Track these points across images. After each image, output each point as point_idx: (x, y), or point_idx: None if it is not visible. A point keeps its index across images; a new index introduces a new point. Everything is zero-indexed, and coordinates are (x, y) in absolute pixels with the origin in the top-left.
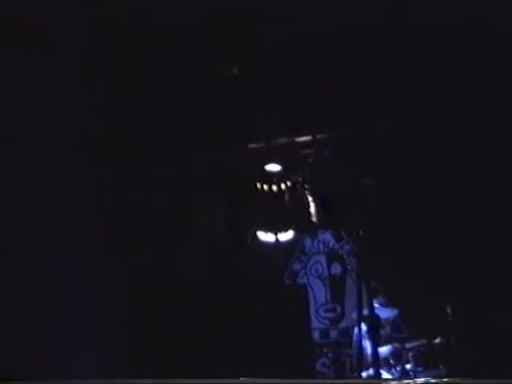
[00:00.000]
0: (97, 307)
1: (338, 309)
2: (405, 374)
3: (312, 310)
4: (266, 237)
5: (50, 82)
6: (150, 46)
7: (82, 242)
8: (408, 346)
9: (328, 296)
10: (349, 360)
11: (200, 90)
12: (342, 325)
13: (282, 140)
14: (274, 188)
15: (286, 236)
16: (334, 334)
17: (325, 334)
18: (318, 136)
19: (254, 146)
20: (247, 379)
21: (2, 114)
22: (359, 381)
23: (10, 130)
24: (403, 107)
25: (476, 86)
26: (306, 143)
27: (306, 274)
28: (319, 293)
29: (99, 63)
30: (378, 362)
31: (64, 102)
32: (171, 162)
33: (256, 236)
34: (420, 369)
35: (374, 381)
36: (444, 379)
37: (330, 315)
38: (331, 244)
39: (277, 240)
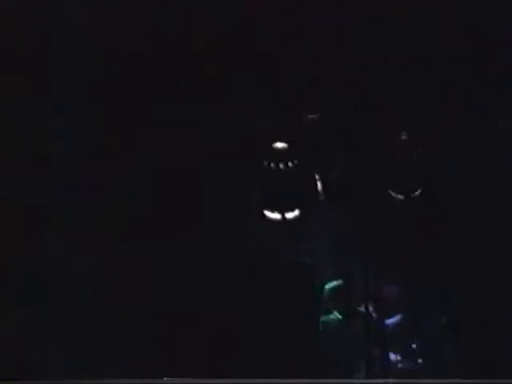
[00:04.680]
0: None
1: (344, 289)
2: (410, 359)
3: (318, 289)
4: (272, 216)
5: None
6: None
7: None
8: (417, 325)
9: (333, 276)
10: (355, 343)
11: (209, 69)
12: (349, 305)
13: (289, 119)
14: (281, 167)
15: (292, 215)
16: (340, 314)
17: (331, 314)
18: (324, 115)
19: (260, 125)
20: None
21: None
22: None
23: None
24: (413, 89)
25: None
26: (312, 122)
27: (312, 253)
28: (325, 273)
29: None
30: (384, 345)
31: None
32: (179, 143)
33: (262, 215)
34: (426, 353)
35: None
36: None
37: (336, 296)
38: (337, 223)
39: (283, 219)
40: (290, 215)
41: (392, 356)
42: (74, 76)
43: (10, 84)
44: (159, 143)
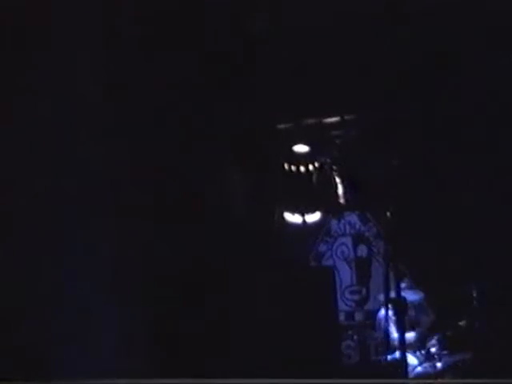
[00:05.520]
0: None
1: (364, 291)
2: (429, 358)
3: (338, 292)
4: (292, 218)
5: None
6: None
7: None
8: (434, 329)
9: (354, 278)
10: (374, 343)
11: (228, 70)
12: (368, 307)
13: (310, 121)
14: (302, 169)
15: (313, 217)
16: (359, 316)
17: (350, 316)
18: (345, 117)
19: (282, 126)
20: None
21: None
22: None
23: None
24: (430, 90)
25: None
26: (333, 124)
27: (331, 255)
28: (345, 275)
29: None
30: (403, 344)
31: None
32: (199, 142)
33: (283, 217)
34: (445, 352)
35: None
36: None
37: (356, 297)
38: (357, 226)
39: (304, 221)
40: (310, 218)
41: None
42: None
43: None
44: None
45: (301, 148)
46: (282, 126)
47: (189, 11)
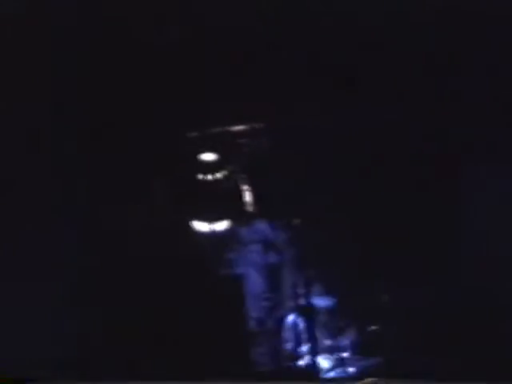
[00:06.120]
0: None
1: (275, 298)
2: (341, 363)
3: (248, 299)
4: (201, 227)
5: None
6: None
7: None
8: (345, 334)
9: (265, 285)
10: (285, 349)
11: (139, 76)
12: (279, 314)
13: (219, 129)
14: (210, 177)
15: (222, 226)
16: (270, 323)
17: (261, 323)
18: (255, 125)
19: (191, 134)
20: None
21: None
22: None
23: None
24: (340, 98)
25: None
26: (242, 132)
27: (242, 263)
28: (256, 282)
29: None
30: (314, 350)
31: None
32: (108, 150)
33: (192, 226)
34: (356, 358)
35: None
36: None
37: (267, 304)
38: (267, 233)
39: (213, 230)
40: (219, 226)
41: None
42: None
43: None
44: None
45: (209, 156)
46: (189, 135)
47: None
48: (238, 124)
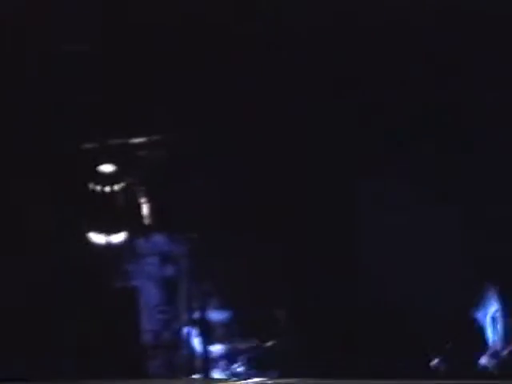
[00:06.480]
0: None
1: (171, 311)
2: (237, 376)
3: (144, 312)
4: (97, 238)
5: None
6: None
7: None
8: (240, 347)
9: (161, 298)
10: (181, 362)
11: (36, 88)
12: (175, 327)
13: (117, 141)
14: (107, 189)
15: (118, 238)
16: (166, 335)
17: (157, 335)
18: (153, 138)
19: (87, 146)
20: None
21: None
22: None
23: None
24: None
25: None
26: (141, 145)
27: (138, 276)
28: (152, 295)
29: None
30: (211, 363)
31: None
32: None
33: (87, 237)
34: (252, 370)
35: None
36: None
37: (163, 317)
38: (164, 246)
39: (109, 242)
40: (116, 238)
41: None
42: None
43: None
44: None
45: (106, 168)
46: (87, 146)
47: None
48: (136, 136)
